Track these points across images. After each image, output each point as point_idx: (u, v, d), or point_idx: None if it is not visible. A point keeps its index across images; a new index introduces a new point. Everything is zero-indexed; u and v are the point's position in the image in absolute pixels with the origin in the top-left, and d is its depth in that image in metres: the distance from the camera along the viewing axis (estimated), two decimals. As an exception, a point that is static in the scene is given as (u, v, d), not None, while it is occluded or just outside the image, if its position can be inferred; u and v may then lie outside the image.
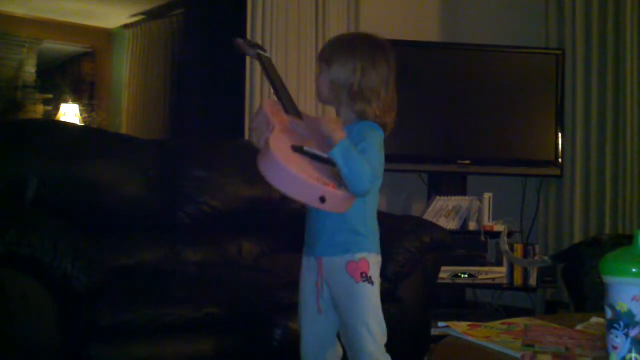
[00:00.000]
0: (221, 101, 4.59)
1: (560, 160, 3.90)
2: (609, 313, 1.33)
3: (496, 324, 1.68)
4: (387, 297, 2.55)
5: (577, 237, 3.86)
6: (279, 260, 2.72)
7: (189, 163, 2.91)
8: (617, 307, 1.32)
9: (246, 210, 2.95)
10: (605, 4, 3.84)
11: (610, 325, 1.33)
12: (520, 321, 1.72)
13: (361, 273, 1.87)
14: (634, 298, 1.30)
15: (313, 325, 1.89)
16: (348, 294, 1.86)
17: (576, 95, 3.92)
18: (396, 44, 3.87)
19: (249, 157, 3.11)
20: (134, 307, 2.00)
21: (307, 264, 1.88)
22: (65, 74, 7.54)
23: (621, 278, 1.32)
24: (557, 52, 3.94)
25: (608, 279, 1.33)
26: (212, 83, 4.83)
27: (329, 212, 1.78)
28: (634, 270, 1.30)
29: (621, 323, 1.32)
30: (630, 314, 1.30)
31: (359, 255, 1.86)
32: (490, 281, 3.66)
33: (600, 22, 3.86)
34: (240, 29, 3.70)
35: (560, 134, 3.90)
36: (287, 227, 3.03)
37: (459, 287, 3.75)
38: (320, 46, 3.78)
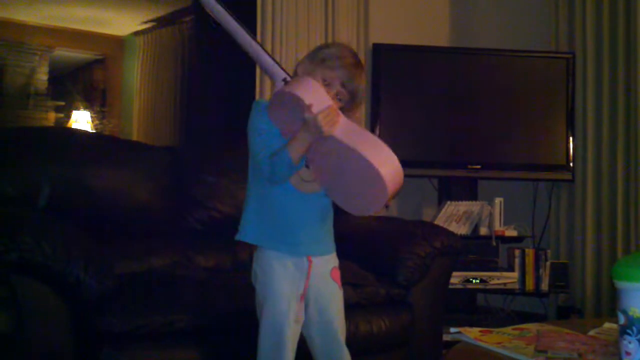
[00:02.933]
0: (232, 107, 4.60)
1: (571, 164, 3.88)
2: (621, 319, 1.33)
3: (508, 329, 1.67)
4: (399, 303, 2.56)
5: (589, 242, 3.84)
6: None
7: (200, 169, 2.92)
8: (630, 313, 1.31)
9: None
10: (615, 7, 3.83)
11: (623, 331, 1.32)
12: (532, 327, 1.71)
13: (340, 278, 1.89)
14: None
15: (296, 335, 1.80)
16: (335, 299, 1.86)
17: (587, 99, 3.90)
18: (406, 49, 3.90)
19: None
20: (145, 313, 2.01)
21: (294, 265, 1.78)
22: (77, 82, 7.59)
23: (634, 284, 1.31)
24: (568, 56, 3.93)
25: (621, 284, 1.33)
26: (223, 89, 4.84)
27: (330, 209, 1.77)
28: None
29: (634, 329, 1.31)
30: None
31: (336, 260, 1.86)
32: (502, 286, 3.65)
33: (611, 26, 3.85)
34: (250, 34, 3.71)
35: (571, 138, 3.89)
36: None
37: (470, 292, 3.74)
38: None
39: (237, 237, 1.85)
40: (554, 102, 3.91)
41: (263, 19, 3.62)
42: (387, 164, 1.68)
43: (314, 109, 1.64)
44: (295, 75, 1.82)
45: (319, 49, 1.85)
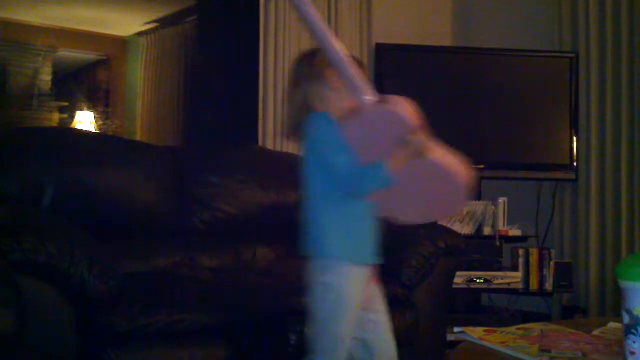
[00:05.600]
0: (235, 107, 4.60)
1: (575, 164, 3.88)
2: (626, 318, 1.32)
3: (512, 329, 1.67)
4: (403, 303, 2.56)
5: (594, 242, 3.84)
6: (294, 266, 2.72)
7: (204, 169, 2.92)
8: (635, 313, 1.31)
9: (261, 216, 2.96)
10: (618, 7, 3.82)
11: (628, 330, 1.32)
12: (536, 327, 1.71)
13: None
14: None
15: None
16: (380, 299, 1.92)
17: (591, 99, 3.89)
18: (409, 48, 3.90)
19: (263, 163, 3.14)
20: (150, 313, 2.01)
21: (364, 274, 1.85)
22: (81, 82, 7.60)
23: (639, 283, 1.31)
24: (571, 55, 3.92)
25: (625, 284, 1.32)
26: (226, 89, 4.84)
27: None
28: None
29: (639, 328, 1.30)
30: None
31: None
32: (506, 286, 3.64)
33: (614, 25, 3.84)
34: (253, 35, 3.71)
35: (575, 138, 3.88)
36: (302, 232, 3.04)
37: (474, 292, 3.73)
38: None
39: (314, 254, 1.83)
40: (557, 101, 3.91)
41: (266, 19, 3.62)
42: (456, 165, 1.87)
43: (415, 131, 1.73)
44: (297, 90, 1.84)
45: (312, 59, 1.86)
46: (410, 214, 1.88)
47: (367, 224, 1.85)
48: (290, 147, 3.55)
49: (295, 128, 1.87)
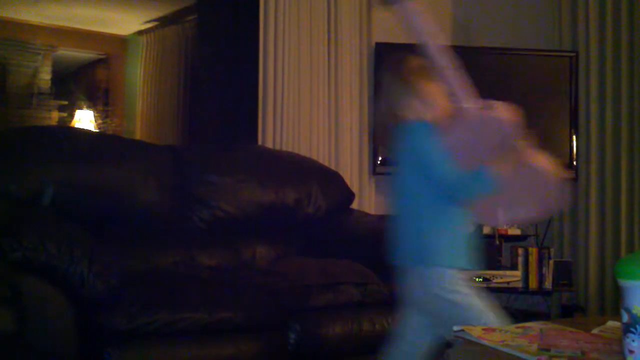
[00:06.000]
0: (235, 106, 4.60)
1: (575, 163, 3.88)
2: (625, 317, 1.32)
3: (511, 328, 1.67)
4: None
5: (593, 240, 3.84)
6: (294, 265, 2.73)
7: (204, 168, 2.92)
8: (634, 311, 1.31)
9: (260, 215, 2.96)
10: (618, 5, 3.82)
11: (627, 329, 1.32)
12: (535, 325, 1.71)
13: None
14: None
15: None
16: None
17: (590, 97, 3.90)
18: (408, 48, 3.89)
19: (263, 162, 3.15)
20: (150, 312, 2.02)
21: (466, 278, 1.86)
22: (80, 81, 7.60)
23: (638, 282, 1.31)
24: (571, 54, 3.92)
25: (624, 282, 1.32)
26: (226, 88, 4.85)
27: None
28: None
29: (638, 327, 1.31)
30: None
31: None
32: (505, 285, 3.64)
33: (614, 24, 3.84)
34: (253, 34, 3.71)
35: (574, 137, 3.88)
36: (301, 232, 3.04)
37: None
38: (333, 50, 3.78)
39: (426, 264, 1.84)
40: (557, 100, 3.91)
41: (265, 17, 3.62)
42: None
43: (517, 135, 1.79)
44: (386, 98, 1.89)
45: (402, 68, 1.91)
46: (507, 218, 1.90)
47: (467, 230, 1.87)
48: (289, 147, 3.55)
49: (384, 134, 1.89)
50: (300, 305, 2.32)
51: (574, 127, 3.89)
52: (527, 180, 1.84)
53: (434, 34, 1.81)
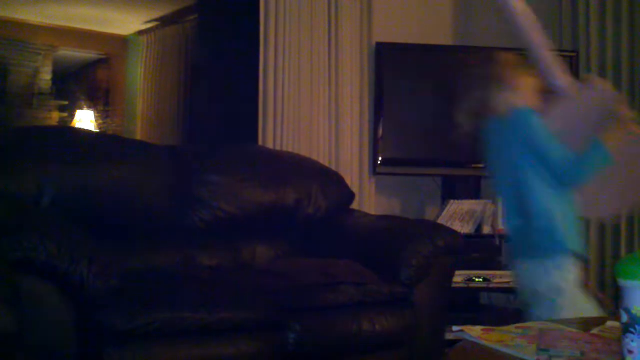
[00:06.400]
0: (235, 106, 4.61)
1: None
2: (624, 317, 1.33)
3: (511, 328, 1.67)
4: (401, 301, 2.56)
5: (593, 240, 3.83)
6: (294, 265, 2.73)
7: (204, 168, 2.92)
8: (633, 311, 1.31)
9: (260, 215, 2.96)
10: (619, 5, 3.82)
11: (626, 329, 1.32)
12: (534, 325, 1.71)
13: None
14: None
15: None
16: None
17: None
18: (408, 47, 3.90)
19: (263, 162, 3.15)
20: (149, 312, 2.02)
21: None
22: (81, 81, 7.61)
23: (637, 282, 1.31)
24: (571, 54, 3.91)
25: (623, 282, 1.33)
26: (226, 88, 4.85)
27: None
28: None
29: (637, 327, 1.31)
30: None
31: None
32: (505, 285, 3.64)
33: (614, 24, 3.84)
34: (253, 33, 3.71)
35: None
36: (301, 231, 3.04)
37: (473, 291, 3.73)
38: (333, 50, 3.78)
39: (542, 250, 1.86)
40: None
41: (266, 19, 3.62)
42: None
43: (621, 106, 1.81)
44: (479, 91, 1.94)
45: (495, 62, 1.98)
46: (614, 206, 1.90)
47: (578, 215, 1.88)
48: (289, 147, 3.55)
49: (475, 124, 1.89)
50: (300, 305, 2.32)
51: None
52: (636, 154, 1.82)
53: (527, 13, 1.83)
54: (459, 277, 3.45)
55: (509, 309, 3.89)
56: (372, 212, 3.57)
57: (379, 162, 3.78)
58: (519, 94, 1.87)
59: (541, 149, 1.80)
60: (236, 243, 2.90)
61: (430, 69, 3.90)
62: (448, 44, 4.34)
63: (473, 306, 3.82)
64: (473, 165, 3.80)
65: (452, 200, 3.77)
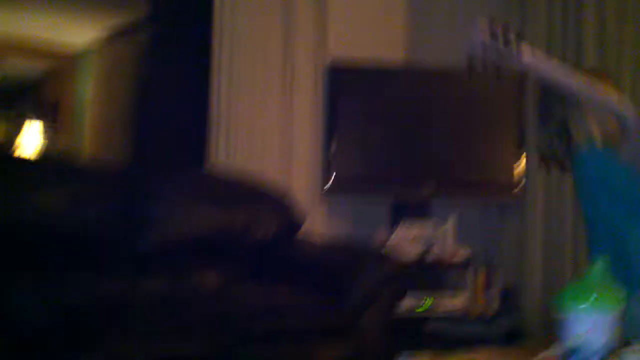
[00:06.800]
0: (186, 124, 4.55)
1: (522, 184, 3.90)
2: (565, 346, 1.34)
3: (457, 356, 1.66)
4: (347, 330, 2.54)
5: (538, 262, 3.86)
6: (242, 292, 2.68)
7: (151, 191, 2.85)
8: (573, 340, 1.32)
9: (209, 240, 2.90)
10: (565, 26, 3.89)
11: (567, 358, 1.33)
12: (481, 352, 1.71)
13: None
14: (588, 331, 1.31)
15: None
16: None
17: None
18: (363, 69, 3.90)
19: (212, 185, 3.10)
20: (92, 347, 1.92)
21: None
22: (29, 94, 7.44)
23: (576, 311, 1.32)
24: (518, 75, 3.94)
25: (563, 312, 1.34)
26: (177, 104, 4.79)
27: None
28: (586, 303, 1.31)
29: (577, 356, 1.32)
30: (585, 347, 1.31)
31: None
32: (452, 310, 3.64)
33: (561, 45, 3.91)
34: (206, 49, 3.67)
35: (522, 158, 3.91)
36: (251, 256, 3.00)
37: (420, 317, 3.71)
38: (288, 66, 3.76)
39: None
40: (505, 121, 3.96)
41: (220, 35, 3.60)
42: None
43: None
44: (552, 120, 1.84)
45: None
46: None
47: None
48: (241, 168, 3.51)
49: (551, 159, 1.82)
50: (248, 334, 2.28)
51: (522, 148, 3.91)
52: None
53: (561, 68, 1.74)
54: (405, 303, 3.44)
55: (456, 334, 3.89)
56: (323, 234, 3.55)
57: (330, 183, 3.77)
58: (593, 122, 1.82)
59: (616, 188, 1.73)
60: (184, 269, 2.83)
61: (383, 90, 3.93)
62: (401, 58, 4.32)
63: (420, 333, 3.81)
64: (422, 187, 3.81)
65: (402, 222, 3.77)
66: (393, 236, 3.73)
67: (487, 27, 1.68)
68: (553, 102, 1.86)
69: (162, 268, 2.77)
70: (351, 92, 3.88)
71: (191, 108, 4.37)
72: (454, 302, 3.64)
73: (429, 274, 3.71)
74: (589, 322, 1.31)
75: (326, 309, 2.51)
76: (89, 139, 6.79)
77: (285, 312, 2.44)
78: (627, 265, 1.71)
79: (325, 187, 3.79)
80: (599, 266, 1.35)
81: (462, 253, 3.74)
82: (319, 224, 3.78)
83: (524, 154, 3.92)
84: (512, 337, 3.78)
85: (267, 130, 3.67)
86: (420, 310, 3.56)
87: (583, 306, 1.32)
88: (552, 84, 1.78)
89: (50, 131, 6.98)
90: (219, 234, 2.91)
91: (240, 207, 2.98)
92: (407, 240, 3.71)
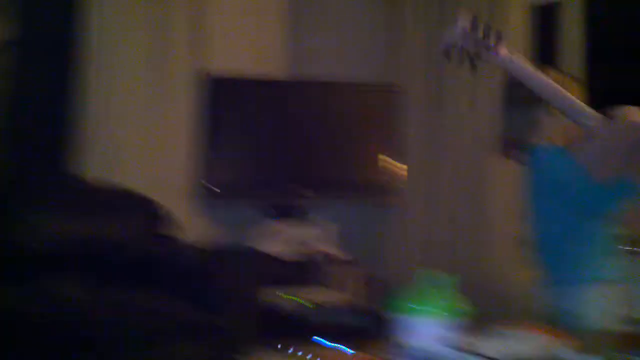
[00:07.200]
0: (57, 136, 4.39)
1: (402, 189, 4.01)
2: (399, 347, 1.39)
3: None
4: (212, 329, 2.50)
5: (416, 262, 3.95)
6: (106, 301, 2.60)
7: (5, 199, 2.72)
8: (405, 344, 1.37)
9: (73, 251, 2.79)
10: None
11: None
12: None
13: None
14: (418, 333, 1.36)
15: None
16: None
17: (413, 126, 4.06)
18: (242, 81, 3.91)
19: (78, 193, 2.97)
20: None
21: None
22: None
23: (408, 313, 1.37)
24: (393, 87, 4.07)
25: (397, 313, 1.38)
26: (39, 119, 4.61)
27: None
28: (418, 306, 1.36)
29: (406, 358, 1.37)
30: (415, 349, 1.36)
31: None
32: (324, 306, 3.64)
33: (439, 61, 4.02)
34: (71, 67, 3.58)
35: (400, 164, 4.02)
36: (118, 265, 2.91)
37: (295, 317, 3.70)
38: (165, 83, 3.71)
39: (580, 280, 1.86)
40: (384, 130, 4.05)
41: (89, 52, 3.53)
42: None
43: None
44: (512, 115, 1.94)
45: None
46: None
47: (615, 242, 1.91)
48: (106, 175, 3.43)
49: (510, 148, 1.89)
50: (98, 340, 2.21)
51: (401, 154, 4.03)
52: None
53: (534, 70, 1.80)
54: (278, 300, 3.45)
55: (328, 328, 3.87)
56: (196, 240, 3.51)
57: (203, 189, 3.77)
58: (552, 119, 1.89)
59: (570, 188, 1.81)
60: (47, 282, 2.71)
61: (263, 102, 3.98)
62: (282, 70, 4.34)
63: (292, 327, 3.80)
64: (300, 192, 3.86)
65: (278, 224, 3.79)
66: (267, 236, 3.73)
67: (470, 19, 1.79)
68: (521, 93, 1.93)
69: (22, 283, 2.65)
70: (229, 103, 3.92)
71: (57, 114, 4.23)
72: (328, 298, 3.67)
73: (303, 271, 3.73)
74: (421, 325, 1.37)
75: (184, 309, 2.48)
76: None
77: (156, 324, 2.40)
78: (574, 262, 1.88)
79: (201, 193, 3.78)
80: (432, 273, 1.41)
81: (339, 252, 3.78)
82: (198, 230, 3.74)
83: (404, 159, 4.04)
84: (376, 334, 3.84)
85: (141, 137, 3.61)
86: (293, 304, 3.57)
87: (414, 309, 1.37)
88: (523, 82, 1.88)
89: None
90: (84, 245, 2.82)
91: (105, 216, 2.89)
92: (282, 240, 3.73)
